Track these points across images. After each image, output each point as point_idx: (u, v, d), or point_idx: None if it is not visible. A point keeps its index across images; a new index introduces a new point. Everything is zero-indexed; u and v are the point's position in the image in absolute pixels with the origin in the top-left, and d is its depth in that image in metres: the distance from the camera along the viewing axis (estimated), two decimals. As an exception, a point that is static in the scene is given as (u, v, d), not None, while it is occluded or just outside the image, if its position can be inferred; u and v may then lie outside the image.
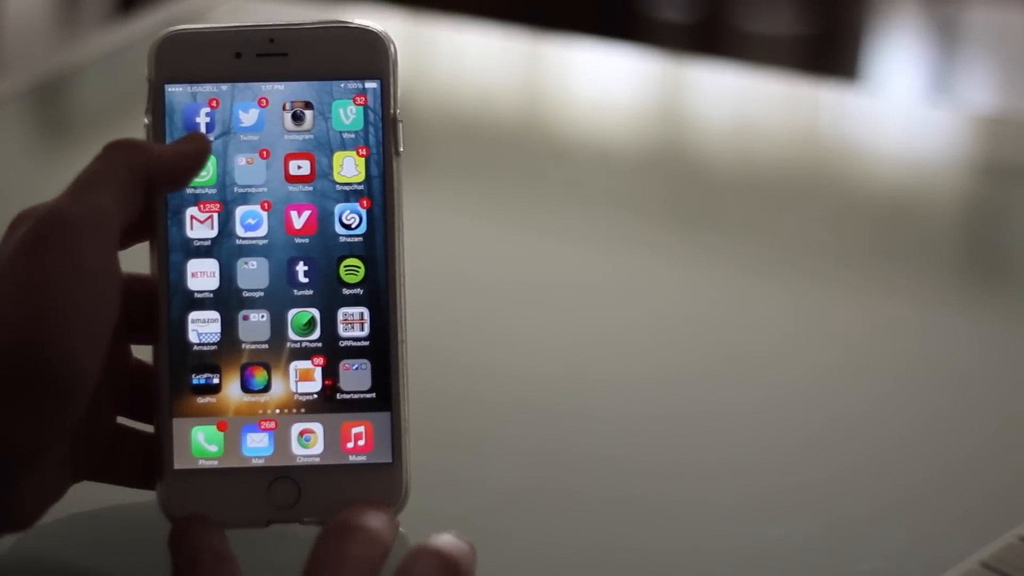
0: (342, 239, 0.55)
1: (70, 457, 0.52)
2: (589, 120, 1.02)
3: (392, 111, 0.56)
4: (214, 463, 0.54)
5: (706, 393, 0.69)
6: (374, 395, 0.55)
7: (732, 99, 1.05)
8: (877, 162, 0.97)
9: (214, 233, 0.55)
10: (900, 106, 1.17)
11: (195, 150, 0.54)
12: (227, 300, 0.55)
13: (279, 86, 0.55)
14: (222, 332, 0.54)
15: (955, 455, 0.65)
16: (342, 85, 0.56)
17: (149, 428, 0.55)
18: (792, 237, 0.85)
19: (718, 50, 2.30)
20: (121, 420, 0.55)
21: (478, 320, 0.75)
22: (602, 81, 1.07)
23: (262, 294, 0.55)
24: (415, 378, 0.55)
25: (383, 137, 0.56)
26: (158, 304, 0.54)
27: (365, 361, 0.55)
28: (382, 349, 0.55)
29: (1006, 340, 0.76)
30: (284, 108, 0.55)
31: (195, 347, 0.54)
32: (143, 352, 0.55)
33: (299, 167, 0.55)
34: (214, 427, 0.54)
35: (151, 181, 0.52)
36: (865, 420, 0.68)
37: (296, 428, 0.54)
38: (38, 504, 0.52)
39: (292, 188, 0.55)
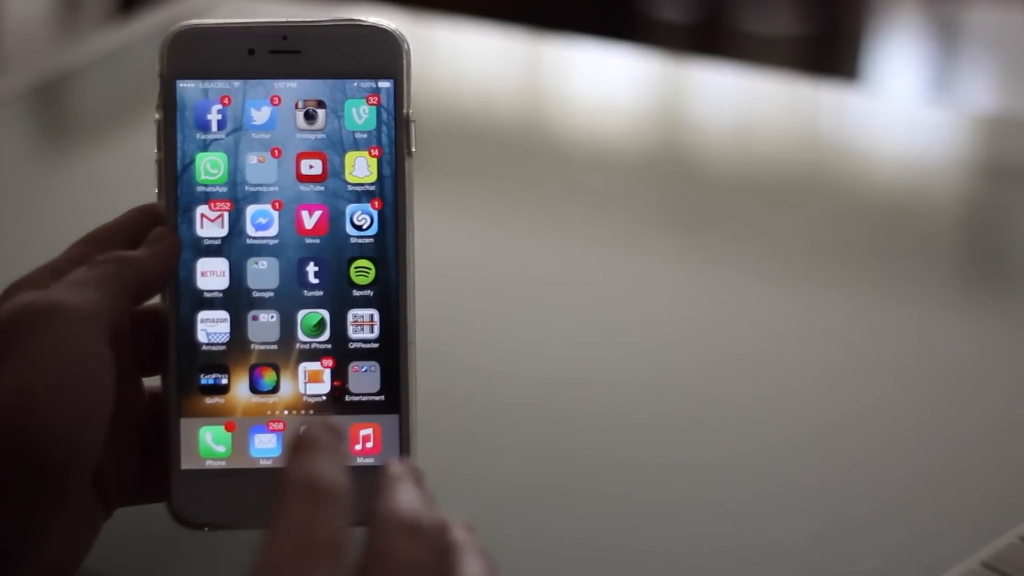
0: (353, 240, 0.55)
1: (99, 500, 0.52)
2: (589, 121, 1.02)
3: (405, 111, 0.55)
4: (221, 464, 0.54)
5: (708, 393, 0.70)
6: (383, 398, 0.54)
7: (732, 99, 1.06)
8: (877, 162, 0.98)
9: (224, 232, 0.54)
10: (900, 106, 1.17)
11: (169, 248, 0.53)
12: (237, 300, 0.54)
13: (292, 84, 0.55)
14: (231, 332, 0.54)
15: (955, 455, 0.65)
16: (355, 84, 0.55)
17: None
18: (792, 237, 0.85)
19: (718, 50, 2.31)
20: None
21: (480, 322, 0.75)
22: (602, 81, 1.07)
23: (272, 294, 0.54)
24: (421, 380, 0.55)
25: (396, 137, 0.55)
26: (167, 303, 0.54)
27: (374, 363, 0.54)
28: (391, 351, 0.54)
29: (1006, 340, 0.76)
30: (296, 106, 0.55)
31: (204, 347, 0.54)
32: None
33: (311, 166, 0.55)
34: (222, 427, 0.54)
35: (139, 290, 0.52)
36: (865, 420, 0.68)
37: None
38: (75, 553, 0.51)
39: (303, 188, 0.55)
